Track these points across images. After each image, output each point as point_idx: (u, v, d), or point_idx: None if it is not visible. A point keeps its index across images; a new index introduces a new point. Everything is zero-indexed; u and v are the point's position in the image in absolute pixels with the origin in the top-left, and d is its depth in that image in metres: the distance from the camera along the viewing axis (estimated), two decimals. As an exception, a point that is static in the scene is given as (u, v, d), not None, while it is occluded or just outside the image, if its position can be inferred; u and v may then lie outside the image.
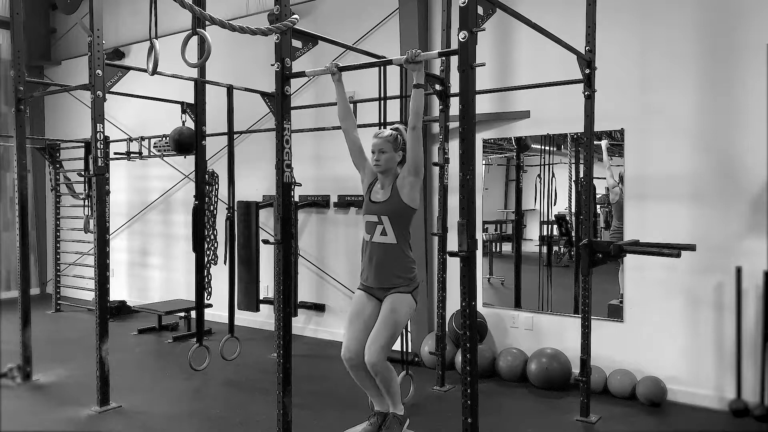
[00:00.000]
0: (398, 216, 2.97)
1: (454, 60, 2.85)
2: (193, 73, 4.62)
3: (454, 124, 4.20)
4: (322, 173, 5.92)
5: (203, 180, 4.76)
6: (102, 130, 3.87)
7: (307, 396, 4.15)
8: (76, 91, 6.01)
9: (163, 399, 4.25)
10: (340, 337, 5.76)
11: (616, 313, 4.39)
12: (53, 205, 7.41)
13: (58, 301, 7.35)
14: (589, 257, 3.63)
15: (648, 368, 4.19)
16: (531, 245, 4.95)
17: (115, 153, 6.69)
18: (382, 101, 3.89)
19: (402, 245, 3.00)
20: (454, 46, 2.63)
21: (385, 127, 3.22)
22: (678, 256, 3.30)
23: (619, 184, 4.37)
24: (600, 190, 4.48)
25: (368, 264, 3.04)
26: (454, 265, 4.36)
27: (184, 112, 4.71)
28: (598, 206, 4.50)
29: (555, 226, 4.81)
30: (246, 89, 4.82)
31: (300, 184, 5.26)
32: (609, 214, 4.52)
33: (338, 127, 3.31)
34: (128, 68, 4.17)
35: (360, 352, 2.98)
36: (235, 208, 4.92)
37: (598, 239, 3.96)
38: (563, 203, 4.71)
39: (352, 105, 5.09)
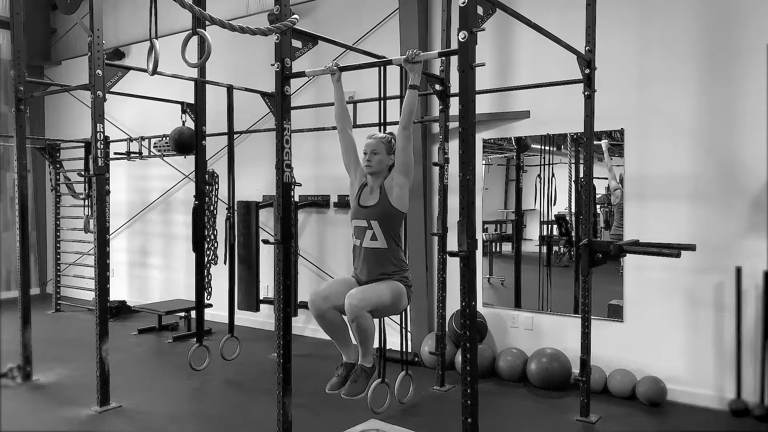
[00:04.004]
0: (387, 219, 2.91)
1: (454, 60, 2.85)
2: (193, 73, 4.62)
3: (454, 124, 4.20)
4: (322, 173, 5.92)
5: (203, 180, 4.76)
6: (102, 130, 3.87)
7: (307, 396, 4.15)
8: (76, 91, 6.02)
9: (163, 399, 4.25)
10: (340, 337, 5.80)
11: (616, 313, 4.39)
12: (53, 205, 7.41)
13: (58, 301, 7.34)
14: (589, 257, 3.63)
15: (648, 368, 4.19)
16: (531, 245, 4.95)
17: (115, 153, 6.68)
18: (382, 101, 3.88)
19: (393, 249, 2.94)
20: (454, 46, 2.63)
21: (384, 128, 3.20)
22: (678, 256, 3.30)
23: (620, 186, 4.37)
24: (600, 190, 4.48)
25: (360, 266, 2.99)
26: (454, 265, 4.35)
27: (184, 112, 4.71)
28: (598, 206, 4.50)
29: (555, 226, 4.81)
30: (246, 89, 4.82)
31: (300, 184, 5.26)
32: (609, 214, 4.52)
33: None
34: (128, 68, 4.17)
35: (331, 300, 2.87)
36: (235, 208, 4.92)
37: (598, 239, 3.96)
38: (563, 203, 4.71)
39: (351, 105, 5.13)
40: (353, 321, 2.76)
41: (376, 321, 2.92)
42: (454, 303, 4.46)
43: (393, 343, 3.89)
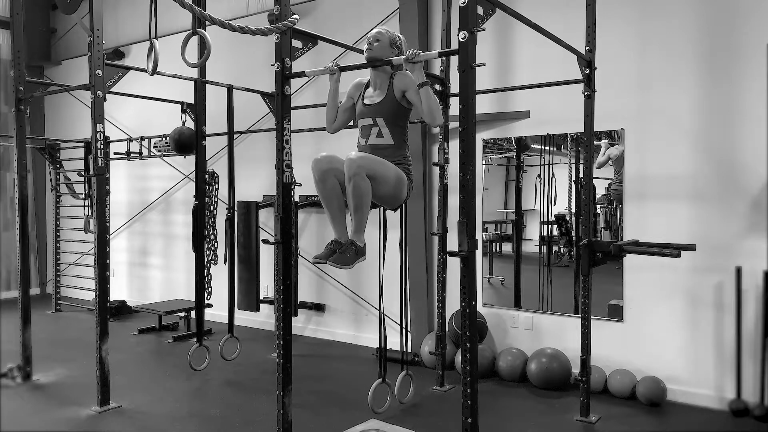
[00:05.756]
0: (393, 115, 2.92)
1: (454, 60, 2.85)
2: (193, 73, 4.62)
3: (454, 124, 4.20)
4: (322, 173, 5.91)
5: (203, 180, 4.76)
6: (102, 130, 3.87)
7: (307, 396, 4.15)
8: (76, 91, 6.02)
9: (163, 399, 4.25)
10: (340, 337, 5.80)
11: (616, 313, 4.39)
12: (53, 205, 7.41)
13: (58, 301, 7.34)
14: (589, 257, 3.63)
15: (648, 368, 4.19)
16: (531, 245, 4.95)
17: (115, 153, 6.68)
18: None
19: (399, 145, 2.94)
20: (454, 46, 2.63)
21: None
22: (678, 256, 3.30)
23: (610, 146, 4.36)
24: (600, 190, 4.48)
25: None
26: (454, 265, 4.36)
27: (184, 112, 4.71)
28: (598, 206, 4.51)
29: (555, 226, 4.81)
30: (246, 89, 4.82)
31: (300, 184, 5.25)
32: (609, 213, 4.52)
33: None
34: (128, 68, 4.17)
35: (334, 165, 2.83)
36: (235, 208, 4.92)
37: (598, 239, 3.96)
38: (563, 203, 4.71)
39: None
40: (350, 179, 2.70)
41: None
42: (454, 303, 4.46)
43: (393, 343, 3.88)
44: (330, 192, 2.89)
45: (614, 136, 4.38)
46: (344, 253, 2.84)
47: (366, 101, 3.02)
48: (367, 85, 3.10)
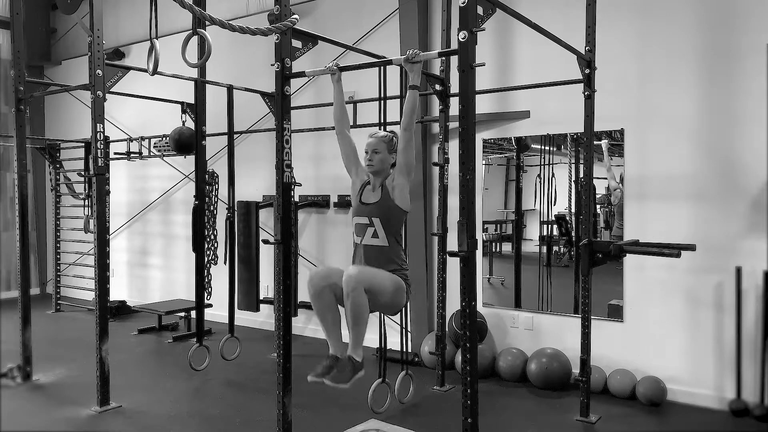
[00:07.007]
0: (389, 217, 2.89)
1: (454, 60, 2.85)
2: (193, 73, 4.62)
3: (454, 124, 4.20)
4: (322, 173, 5.92)
5: (203, 180, 4.76)
6: (102, 130, 3.87)
7: (307, 396, 4.14)
8: (76, 91, 6.02)
9: (163, 399, 4.25)
10: (340, 337, 5.80)
11: (616, 313, 4.39)
12: (53, 205, 7.41)
13: (58, 301, 7.35)
14: (589, 257, 3.63)
15: (648, 368, 4.19)
16: (531, 245, 4.95)
17: (115, 153, 6.69)
18: (382, 101, 3.89)
19: (394, 247, 2.90)
20: (454, 46, 2.63)
21: (384, 128, 3.17)
22: (678, 256, 3.30)
23: (619, 185, 4.37)
24: (600, 190, 4.48)
25: (360, 264, 2.91)
26: (454, 265, 4.35)
27: (184, 112, 4.71)
28: (598, 206, 4.50)
29: (555, 226, 4.81)
30: (246, 89, 4.82)
31: (300, 184, 5.26)
32: (609, 214, 4.52)
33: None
34: (128, 68, 4.17)
35: (329, 280, 2.81)
36: (235, 208, 4.92)
37: (598, 239, 3.96)
38: (563, 203, 4.71)
39: (351, 105, 5.13)
40: (348, 295, 2.66)
41: (376, 317, 2.86)
42: (454, 303, 4.46)
43: (393, 343, 3.88)
44: (325, 307, 2.87)
45: (614, 136, 4.38)
46: (342, 371, 2.82)
47: (363, 200, 2.97)
48: (368, 182, 3.03)
